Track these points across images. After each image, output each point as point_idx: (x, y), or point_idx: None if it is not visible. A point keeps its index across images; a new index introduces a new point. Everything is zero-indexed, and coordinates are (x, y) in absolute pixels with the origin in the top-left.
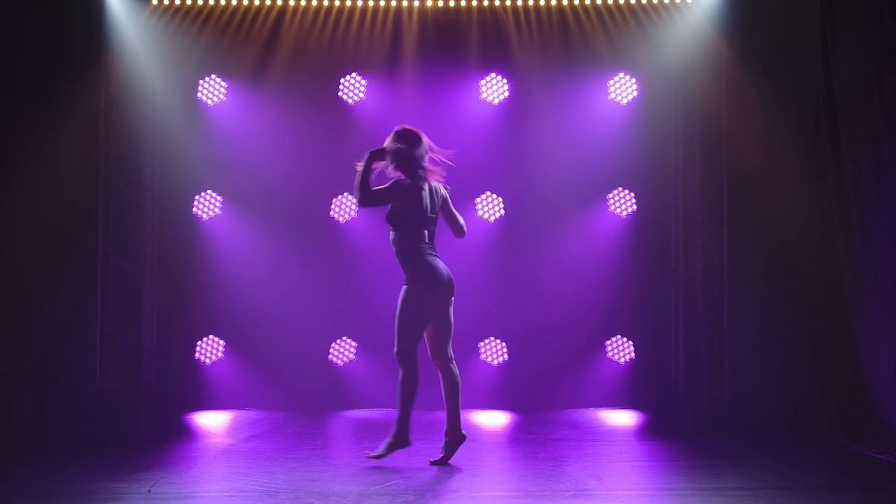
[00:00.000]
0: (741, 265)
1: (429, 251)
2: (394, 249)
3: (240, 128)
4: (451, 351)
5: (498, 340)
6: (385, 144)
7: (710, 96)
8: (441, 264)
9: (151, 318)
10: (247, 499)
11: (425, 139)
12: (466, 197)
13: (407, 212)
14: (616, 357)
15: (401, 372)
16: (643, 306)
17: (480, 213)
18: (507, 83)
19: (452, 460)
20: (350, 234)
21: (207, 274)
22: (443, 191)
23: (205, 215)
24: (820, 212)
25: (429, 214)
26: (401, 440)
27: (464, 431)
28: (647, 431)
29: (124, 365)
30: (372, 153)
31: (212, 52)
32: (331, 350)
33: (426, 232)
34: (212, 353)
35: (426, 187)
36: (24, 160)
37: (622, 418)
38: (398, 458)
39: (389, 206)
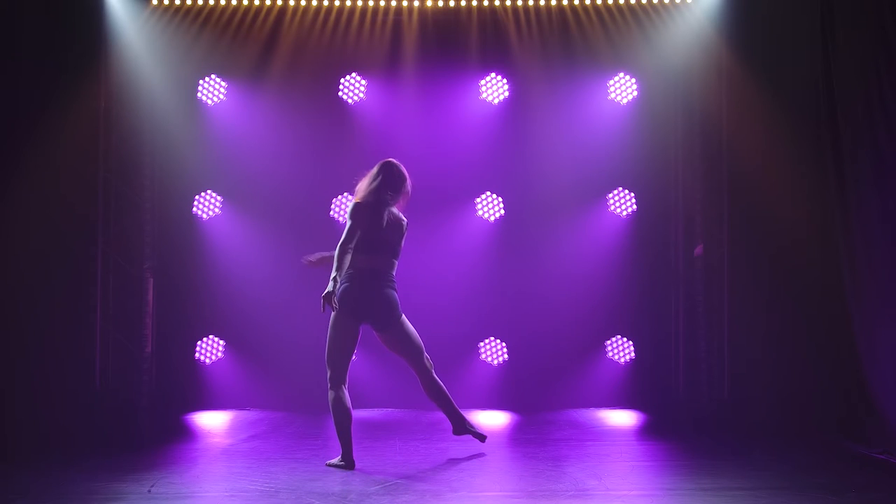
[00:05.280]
0: (741, 265)
1: (363, 276)
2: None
3: (240, 128)
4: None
5: (498, 340)
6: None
7: (710, 96)
8: (367, 289)
9: (151, 318)
10: (247, 499)
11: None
12: (466, 197)
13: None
14: (616, 357)
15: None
16: (643, 306)
17: (480, 213)
18: (507, 83)
19: (454, 460)
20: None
21: (207, 274)
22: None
23: (205, 215)
24: (820, 211)
25: (378, 235)
26: (346, 462)
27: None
28: (647, 431)
29: (124, 365)
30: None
31: (212, 52)
32: None
33: (383, 257)
34: (212, 353)
35: (391, 213)
36: (24, 160)
37: (622, 418)
38: (398, 458)
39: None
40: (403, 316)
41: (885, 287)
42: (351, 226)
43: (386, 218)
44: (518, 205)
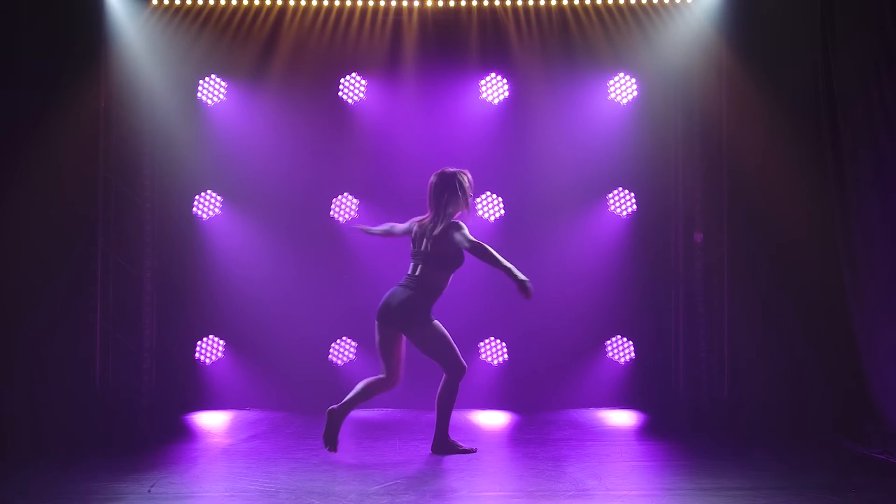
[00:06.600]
0: (741, 265)
1: (401, 283)
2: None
3: (240, 128)
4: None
5: (498, 340)
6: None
7: (710, 96)
8: (390, 294)
9: (151, 318)
10: (247, 499)
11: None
12: None
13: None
14: (616, 357)
15: None
16: (643, 306)
17: (480, 213)
18: (507, 83)
19: (454, 460)
20: (350, 234)
21: (207, 274)
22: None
23: (205, 215)
24: (820, 211)
25: (414, 249)
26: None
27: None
28: (647, 431)
29: (124, 365)
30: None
31: (212, 52)
32: (331, 350)
33: (411, 265)
34: (212, 353)
35: (422, 223)
36: (24, 160)
37: (622, 418)
38: (398, 457)
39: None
40: (433, 323)
41: (885, 287)
42: (402, 225)
43: (417, 230)
44: (518, 205)
